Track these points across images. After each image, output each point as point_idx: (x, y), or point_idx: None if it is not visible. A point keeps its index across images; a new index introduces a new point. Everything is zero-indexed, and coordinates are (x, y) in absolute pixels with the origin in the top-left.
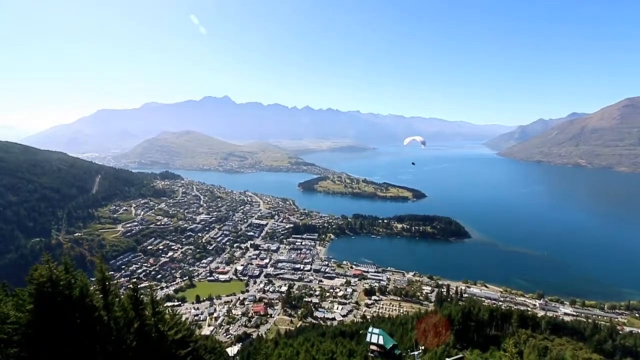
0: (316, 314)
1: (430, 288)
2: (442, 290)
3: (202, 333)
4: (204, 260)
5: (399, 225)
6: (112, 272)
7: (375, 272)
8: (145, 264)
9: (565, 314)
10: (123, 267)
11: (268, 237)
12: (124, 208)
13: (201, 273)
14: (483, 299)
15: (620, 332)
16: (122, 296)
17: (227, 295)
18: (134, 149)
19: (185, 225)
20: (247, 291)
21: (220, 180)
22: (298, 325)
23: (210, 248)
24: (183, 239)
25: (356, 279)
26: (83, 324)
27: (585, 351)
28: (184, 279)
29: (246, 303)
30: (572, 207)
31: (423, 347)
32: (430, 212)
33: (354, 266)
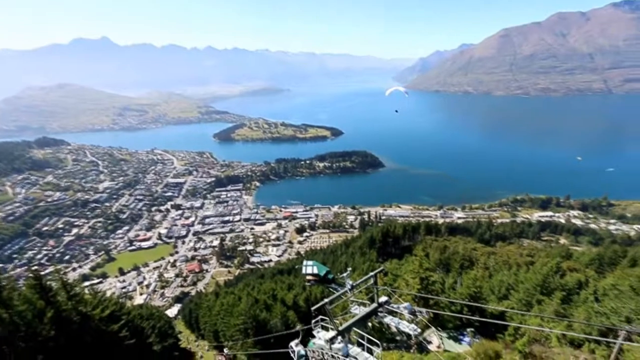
0: (252, 259)
1: (354, 217)
2: (364, 216)
3: (135, 303)
4: (119, 231)
5: (321, 164)
6: (1, 265)
7: (303, 211)
8: (45, 248)
9: (459, 218)
10: (15, 256)
11: (189, 194)
12: None
13: (119, 245)
14: (397, 217)
15: (495, 224)
16: (22, 288)
17: (155, 261)
18: None
19: (87, 197)
20: (177, 252)
21: (118, 140)
22: (236, 274)
23: (124, 217)
24: (87, 213)
25: (287, 221)
26: None
27: (472, 243)
28: (100, 254)
29: (178, 264)
30: (462, 130)
31: (350, 269)
32: (348, 148)
33: (283, 209)
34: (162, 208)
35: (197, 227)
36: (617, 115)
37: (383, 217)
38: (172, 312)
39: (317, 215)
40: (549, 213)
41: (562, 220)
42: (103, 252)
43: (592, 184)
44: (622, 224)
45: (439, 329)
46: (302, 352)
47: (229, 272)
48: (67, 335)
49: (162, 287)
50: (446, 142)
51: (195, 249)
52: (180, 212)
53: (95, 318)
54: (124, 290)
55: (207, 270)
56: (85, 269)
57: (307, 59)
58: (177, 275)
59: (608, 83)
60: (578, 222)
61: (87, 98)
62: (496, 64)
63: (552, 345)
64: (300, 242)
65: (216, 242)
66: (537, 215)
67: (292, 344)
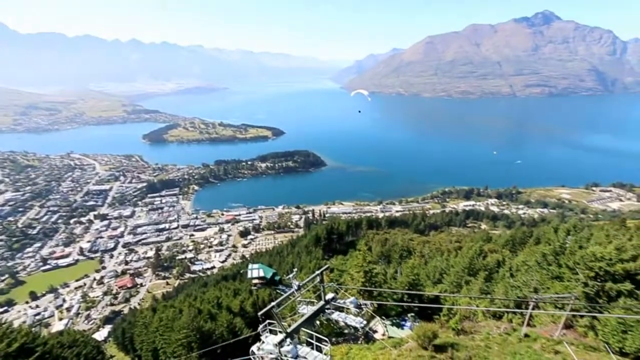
0: (194, 268)
1: (298, 216)
2: (309, 215)
3: (54, 331)
4: (29, 249)
5: (263, 165)
6: None
7: (247, 213)
8: None
9: (397, 211)
10: None
11: (117, 202)
12: None
13: (29, 265)
14: (341, 214)
15: (428, 215)
16: None
17: (77, 280)
18: None
19: None
20: (104, 268)
21: (23, 143)
22: (176, 285)
23: (34, 232)
24: None
25: (229, 224)
26: None
27: (409, 234)
28: (3, 278)
29: (106, 281)
30: (396, 129)
31: (296, 269)
32: (290, 148)
33: (224, 213)
34: (83, 219)
35: (128, 238)
36: (521, 115)
37: (327, 215)
38: (101, 334)
39: (261, 217)
40: (472, 202)
41: (483, 208)
42: (7, 275)
43: (505, 174)
44: (528, 209)
45: (383, 317)
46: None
47: (168, 283)
48: None
49: (88, 309)
50: (382, 141)
51: (127, 262)
52: (106, 222)
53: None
54: (37, 317)
55: (141, 285)
56: None
57: (244, 57)
58: (105, 294)
59: (513, 88)
60: (495, 209)
61: None
62: (423, 68)
63: (479, 319)
64: (244, 246)
65: (151, 253)
66: (462, 205)
67: (254, 348)
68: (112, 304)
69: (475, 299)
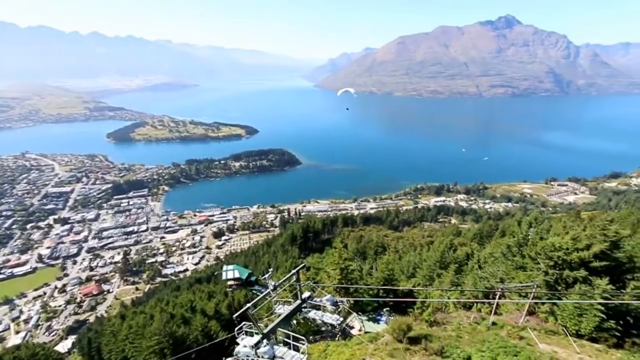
0: (165, 271)
1: (274, 215)
2: (284, 214)
3: (9, 345)
4: None
5: (237, 164)
6: None
7: (220, 213)
8: None
9: (371, 208)
10: None
11: (79, 205)
12: None
13: None
14: (317, 212)
15: (401, 211)
16: None
17: (35, 290)
18: None
19: None
20: (67, 275)
21: None
22: (146, 290)
23: None
24: None
25: (202, 225)
26: None
27: (384, 230)
28: None
29: (69, 289)
30: (369, 127)
31: (272, 269)
32: (264, 146)
33: (197, 213)
34: (41, 224)
35: (92, 243)
36: (487, 114)
37: (303, 214)
38: (64, 346)
39: (235, 217)
40: (443, 198)
41: (452, 204)
42: None
43: (473, 171)
44: (494, 203)
45: (360, 313)
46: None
47: (137, 289)
48: None
49: (48, 319)
50: (357, 139)
51: (92, 268)
52: (67, 226)
53: None
54: None
55: (108, 291)
56: None
57: (215, 53)
58: (68, 302)
59: (479, 88)
60: (464, 204)
61: None
62: (395, 67)
63: (451, 311)
64: (218, 247)
65: (118, 257)
66: (433, 201)
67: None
68: (76, 313)
69: (447, 291)
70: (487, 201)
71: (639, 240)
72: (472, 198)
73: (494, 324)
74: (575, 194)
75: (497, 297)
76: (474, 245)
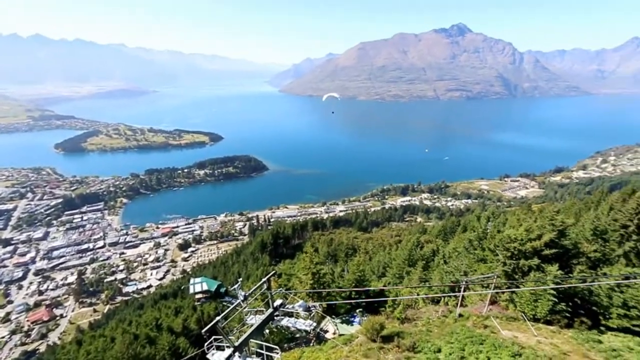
0: (126, 289)
1: (242, 223)
2: (253, 221)
3: None
4: None
5: (201, 172)
6: None
7: (186, 224)
8: None
9: (340, 211)
10: None
11: (24, 224)
12: None
13: None
14: (286, 218)
15: (369, 212)
16: None
17: None
18: None
19: None
20: (10, 302)
21: None
22: (105, 311)
23: None
24: None
25: (166, 238)
26: None
27: (353, 232)
28: None
29: (14, 317)
30: (334, 131)
31: (241, 279)
32: (230, 153)
33: (160, 226)
34: None
35: (41, 264)
36: (445, 117)
37: (272, 220)
38: None
39: (202, 227)
40: (408, 198)
41: (418, 203)
42: None
43: (435, 170)
44: (455, 200)
45: (333, 316)
46: None
47: (95, 310)
48: None
49: None
50: (323, 143)
51: (41, 292)
52: (10, 248)
53: None
54: None
55: (61, 316)
56: None
57: (173, 58)
58: (13, 332)
59: (437, 92)
60: (428, 203)
61: None
62: (357, 72)
63: (420, 306)
64: (185, 259)
65: (72, 278)
66: (400, 201)
67: None
68: (23, 344)
69: (416, 288)
70: (449, 199)
71: (581, 228)
72: (435, 196)
73: (460, 315)
74: (527, 188)
75: (462, 289)
76: (439, 242)
